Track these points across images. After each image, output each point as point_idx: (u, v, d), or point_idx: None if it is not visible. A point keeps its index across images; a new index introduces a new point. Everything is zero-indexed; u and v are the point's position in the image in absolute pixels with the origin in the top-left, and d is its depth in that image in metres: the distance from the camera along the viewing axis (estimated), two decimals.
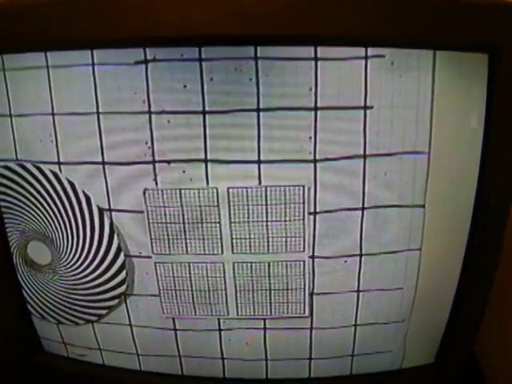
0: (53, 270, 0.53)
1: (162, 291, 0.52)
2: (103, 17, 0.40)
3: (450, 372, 0.57)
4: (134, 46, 0.42)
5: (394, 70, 0.42)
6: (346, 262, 0.49)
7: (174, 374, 0.58)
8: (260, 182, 0.46)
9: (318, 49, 0.42)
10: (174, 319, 0.54)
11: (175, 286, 0.51)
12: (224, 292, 0.51)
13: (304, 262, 0.49)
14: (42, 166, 0.48)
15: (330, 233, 0.48)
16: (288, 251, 0.49)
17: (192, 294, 0.51)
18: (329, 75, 0.42)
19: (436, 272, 0.51)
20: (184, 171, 0.46)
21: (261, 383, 0.57)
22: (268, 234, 0.48)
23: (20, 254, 0.54)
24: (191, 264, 0.50)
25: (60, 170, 0.48)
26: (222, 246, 0.49)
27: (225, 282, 0.51)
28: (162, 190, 0.47)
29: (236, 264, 0.49)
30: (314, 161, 0.45)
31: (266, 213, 0.47)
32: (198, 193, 0.47)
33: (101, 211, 0.49)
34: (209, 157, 0.45)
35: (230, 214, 0.47)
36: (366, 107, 0.43)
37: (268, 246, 0.48)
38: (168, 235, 0.49)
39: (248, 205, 0.47)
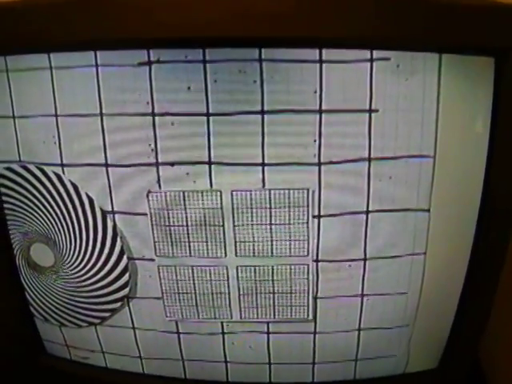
0: (55, 273, 0.53)
1: (165, 294, 0.51)
2: (107, 18, 0.40)
3: (454, 377, 0.57)
4: (138, 48, 0.42)
5: (400, 72, 0.42)
6: (350, 266, 0.49)
7: (177, 377, 0.58)
8: (264, 185, 0.46)
9: (323, 51, 0.41)
10: (177, 322, 0.53)
11: (178, 289, 0.51)
12: (227, 295, 0.51)
13: (308, 265, 0.49)
14: (45, 168, 0.48)
15: (335, 236, 0.48)
16: (292, 255, 0.48)
17: (195, 297, 0.51)
18: (334, 78, 0.42)
19: (441, 276, 0.51)
20: (187, 173, 0.46)
21: None
22: (272, 237, 0.48)
23: (23, 256, 0.54)
24: (194, 267, 0.50)
25: (63, 172, 0.48)
26: (225, 249, 0.48)
27: (228, 286, 0.50)
28: (166, 193, 0.47)
29: (239, 267, 0.49)
30: (319, 164, 0.45)
31: (270, 216, 0.47)
32: (202, 195, 0.46)
33: (104, 213, 0.48)
34: (212, 159, 0.45)
35: (233, 217, 0.47)
36: (371, 110, 0.43)
37: (272, 249, 0.48)
38: (171, 238, 0.48)
39: (252, 208, 0.46)
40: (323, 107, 0.43)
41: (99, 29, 0.40)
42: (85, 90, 0.44)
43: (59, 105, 0.45)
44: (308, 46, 0.41)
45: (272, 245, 0.48)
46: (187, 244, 0.49)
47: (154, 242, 0.49)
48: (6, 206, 0.51)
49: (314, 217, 0.47)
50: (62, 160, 0.47)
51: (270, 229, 0.47)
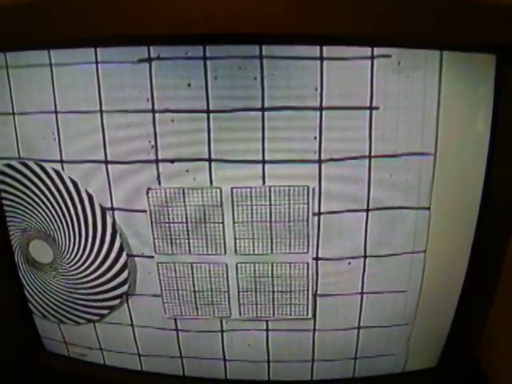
0: (54, 269, 0.53)
1: (164, 291, 0.51)
2: (107, 15, 0.40)
3: (453, 375, 0.57)
4: (139, 44, 0.42)
5: (401, 70, 0.42)
6: (349, 263, 0.49)
7: (176, 374, 0.58)
8: (264, 182, 0.46)
9: (324, 48, 0.41)
10: (175, 320, 0.53)
11: (177, 287, 0.51)
12: (226, 293, 0.51)
13: (308, 263, 0.49)
14: (45, 165, 0.48)
15: (335, 234, 0.48)
16: (291, 252, 0.48)
17: (194, 295, 0.51)
18: (334, 75, 0.42)
19: (440, 275, 0.51)
20: (187, 170, 0.46)
21: None
22: (271, 234, 0.47)
23: (22, 253, 0.54)
24: (194, 264, 0.50)
25: (62, 169, 0.48)
26: (225, 247, 0.48)
27: (227, 283, 0.50)
28: (165, 190, 0.46)
29: (239, 265, 0.49)
30: (319, 161, 0.45)
31: (270, 213, 0.47)
32: (202, 192, 0.46)
33: (103, 210, 0.48)
34: (212, 156, 0.45)
35: (233, 214, 0.47)
36: (371, 107, 0.43)
37: (271, 246, 0.48)
38: (171, 235, 0.48)
39: (252, 205, 0.46)
40: (324, 104, 0.43)
41: (99, 25, 0.40)
42: (85, 87, 0.44)
43: (59, 101, 0.45)
44: (309, 43, 0.41)
45: (272, 242, 0.48)
46: (187, 241, 0.48)
47: (154, 239, 0.49)
48: (5, 202, 0.51)
49: (314, 214, 0.47)
50: (61, 157, 0.47)
51: (270, 226, 0.47)
